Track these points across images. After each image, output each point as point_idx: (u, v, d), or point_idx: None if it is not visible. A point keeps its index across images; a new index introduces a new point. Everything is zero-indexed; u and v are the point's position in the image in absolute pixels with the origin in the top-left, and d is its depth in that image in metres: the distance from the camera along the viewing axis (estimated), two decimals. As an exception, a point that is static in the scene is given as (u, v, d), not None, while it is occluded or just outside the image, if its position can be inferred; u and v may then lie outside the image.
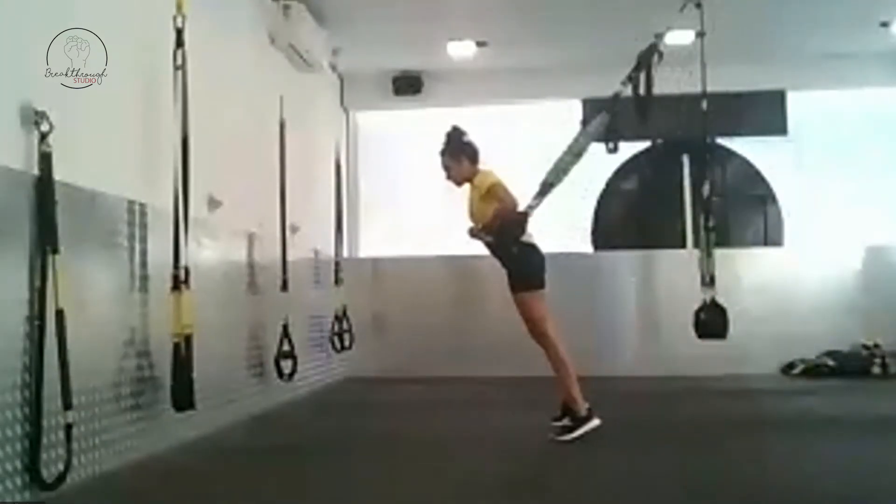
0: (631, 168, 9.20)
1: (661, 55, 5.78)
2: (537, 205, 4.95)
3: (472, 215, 4.99)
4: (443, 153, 5.02)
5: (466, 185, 5.04)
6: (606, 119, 5.54)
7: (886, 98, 8.86)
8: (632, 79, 5.72)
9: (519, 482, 3.75)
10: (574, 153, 5.28)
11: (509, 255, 4.81)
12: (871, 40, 8.01)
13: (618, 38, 7.91)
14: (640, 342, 8.43)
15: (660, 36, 5.86)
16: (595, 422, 4.70)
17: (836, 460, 4.13)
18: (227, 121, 5.50)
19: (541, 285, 4.80)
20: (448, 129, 5.06)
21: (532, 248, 4.84)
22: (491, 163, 5.11)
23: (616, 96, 5.66)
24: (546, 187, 5.08)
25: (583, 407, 4.71)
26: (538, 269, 4.82)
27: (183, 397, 4.23)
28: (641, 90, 5.71)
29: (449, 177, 5.02)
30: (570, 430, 4.67)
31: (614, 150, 5.73)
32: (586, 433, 4.64)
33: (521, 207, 4.90)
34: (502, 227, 4.76)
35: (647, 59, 5.78)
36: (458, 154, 4.97)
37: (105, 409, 3.88)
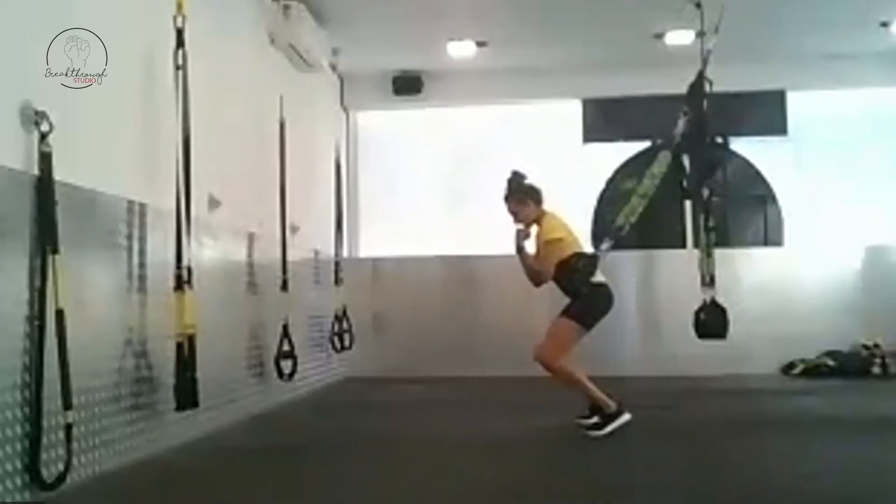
0: (631, 168, 9.19)
1: (711, 83, 5.75)
2: (609, 248, 5.00)
3: (537, 255, 5.09)
4: (507, 198, 5.08)
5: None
6: (669, 157, 5.51)
7: (886, 98, 8.84)
8: (686, 112, 5.65)
9: (518, 482, 3.75)
10: (640, 195, 5.29)
11: (579, 294, 4.87)
12: (871, 40, 8.00)
13: (618, 38, 7.95)
14: (640, 342, 8.43)
15: (705, 63, 5.78)
16: (626, 416, 4.78)
17: (835, 460, 4.13)
18: (227, 121, 5.50)
19: (588, 325, 4.85)
20: (509, 174, 5.12)
21: (601, 287, 4.93)
22: (551, 201, 5.15)
23: (676, 135, 5.60)
24: (617, 231, 5.11)
25: (610, 404, 4.78)
26: (597, 312, 4.89)
27: (186, 397, 4.23)
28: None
29: (517, 220, 5.07)
30: (600, 426, 4.75)
31: (685, 194, 5.73)
32: (617, 428, 4.73)
33: (592, 250, 5.07)
34: (571, 272, 4.85)
35: (699, 90, 5.73)
36: (524, 198, 5.05)
37: (105, 409, 3.88)
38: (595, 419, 4.80)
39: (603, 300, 4.93)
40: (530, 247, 5.14)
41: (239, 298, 5.80)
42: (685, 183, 5.75)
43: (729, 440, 4.77)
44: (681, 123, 5.70)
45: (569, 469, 4.11)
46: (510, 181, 5.08)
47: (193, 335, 4.23)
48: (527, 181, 5.09)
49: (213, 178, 5.08)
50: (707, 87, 5.75)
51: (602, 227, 9.19)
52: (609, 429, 4.73)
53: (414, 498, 3.53)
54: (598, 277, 4.93)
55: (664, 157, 5.49)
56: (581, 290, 4.85)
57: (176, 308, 4.24)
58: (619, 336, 8.36)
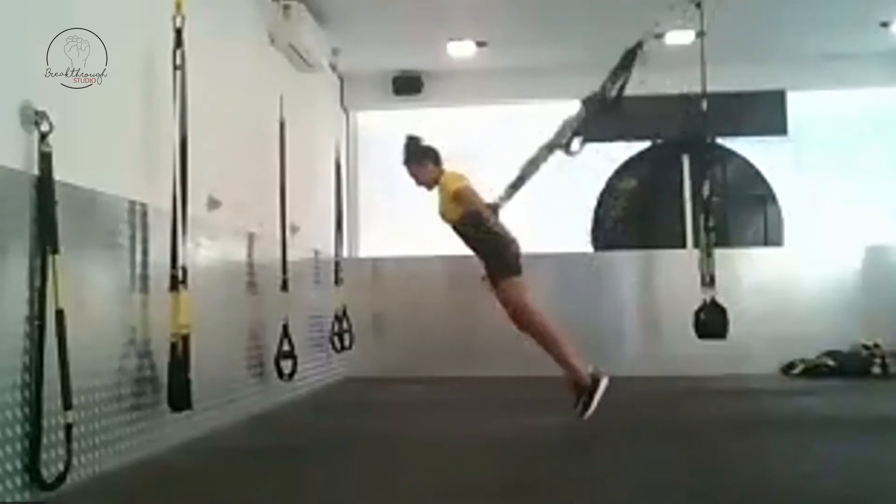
0: (631, 168, 9.21)
1: (640, 44, 5.82)
2: (508, 197, 5.06)
3: (443, 215, 5.15)
4: (406, 162, 5.13)
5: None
6: (583, 113, 5.57)
7: (886, 98, 8.85)
8: (612, 79, 5.75)
9: (519, 483, 3.75)
10: (547, 147, 5.34)
11: (484, 237, 4.92)
12: (871, 40, 8.00)
13: (618, 38, 7.92)
14: (640, 342, 8.43)
15: (647, 34, 5.89)
16: (604, 382, 4.83)
17: (835, 460, 4.13)
18: (227, 121, 5.50)
19: (518, 271, 4.87)
20: (404, 140, 5.16)
21: (504, 234, 4.96)
22: (453, 161, 5.22)
23: (592, 94, 5.69)
24: (519, 181, 5.16)
25: (586, 375, 4.79)
26: (511, 256, 4.91)
27: (180, 397, 4.23)
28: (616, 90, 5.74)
29: (419, 183, 5.16)
30: (587, 404, 4.78)
31: (570, 148, 5.81)
32: (602, 396, 4.80)
33: (492, 200, 5.10)
34: (474, 214, 4.91)
35: (630, 59, 5.82)
36: (422, 159, 5.13)
37: (105, 409, 3.88)
38: (581, 403, 4.83)
39: (511, 244, 4.95)
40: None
41: (239, 298, 5.79)
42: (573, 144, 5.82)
43: (729, 440, 4.76)
44: (603, 80, 5.79)
45: (569, 469, 4.10)
46: (407, 145, 5.13)
47: (188, 335, 4.23)
48: (423, 143, 5.15)
49: (213, 178, 5.08)
50: (639, 54, 5.85)
51: (603, 225, 9.24)
52: (594, 403, 4.77)
53: (414, 498, 3.53)
54: (502, 229, 4.99)
55: (578, 113, 5.59)
56: (489, 228, 4.90)
57: (171, 308, 4.24)
58: (619, 336, 8.39)
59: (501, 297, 4.88)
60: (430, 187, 5.10)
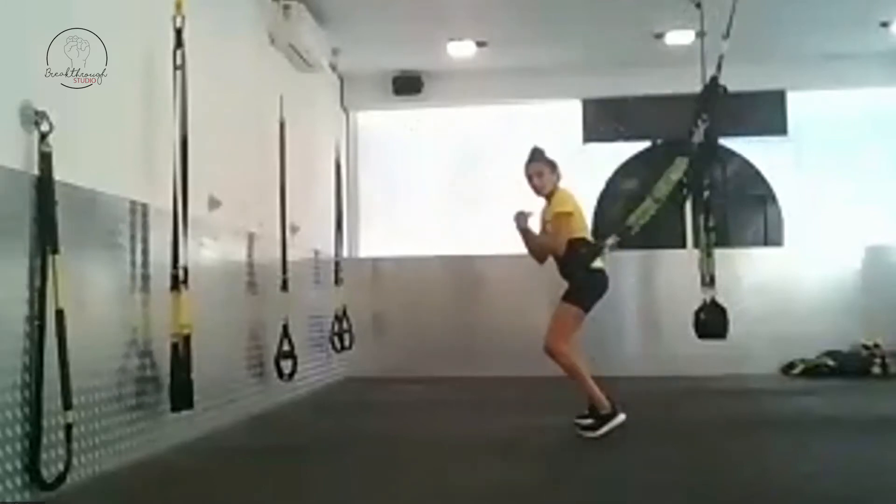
0: (631, 168, 9.20)
1: (725, 89, 5.74)
2: (614, 244, 5.04)
3: (544, 224, 5.14)
4: (535, 159, 5.10)
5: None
6: (685, 164, 5.49)
7: (886, 98, 8.84)
8: (704, 120, 5.64)
9: (518, 482, 3.75)
10: (655, 198, 5.32)
11: (575, 277, 4.94)
12: (871, 40, 8.00)
13: (618, 38, 7.95)
14: (640, 342, 8.43)
15: (719, 66, 5.78)
16: (620, 417, 4.80)
17: (835, 460, 4.13)
18: (227, 121, 5.50)
19: (585, 308, 4.91)
20: (532, 147, 5.17)
21: (598, 273, 4.99)
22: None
23: (691, 138, 5.58)
24: (626, 230, 5.15)
25: (605, 405, 4.79)
26: (594, 294, 4.96)
27: (181, 397, 4.23)
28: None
29: (535, 183, 5.08)
30: (595, 427, 4.76)
31: (686, 195, 5.75)
32: (612, 430, 4.74)
33: (598, 242, 5.10)
34: (573, 255, 4.93)
35: (712, 95, 5.73)
36: (551, 163, 5.10)
37: (105, 409, 3.88)
38: (590, 420, 4.81)
39: (598, 284, 4.99)
40: (532, 224, 5.18)
41: (239, 298, 5.80)
42: (686, 190, 5.75)
43: (729, 440, 4.77)
44: (698, 132, 5.65)
45: (569, 469, 4.11)
46: (534, 150, 5.15)
47: (189, 335, 4.23)
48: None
49: (213, 178, 5.08)
50: (721, 93, 5.76)
51: (603, 226, 9.22)
52: (603, 430, 4.74)
53: (414, 498, 3.53)
54: (597, 264, 4.99)
55: (681, 163, 5.47)
56: (577, 274, 4.92)
57: (171, 308, 4.24)
58: (619, 336, 8.39)
59: (553, 315, 4.92)
60: (540, 193, 5.10)
